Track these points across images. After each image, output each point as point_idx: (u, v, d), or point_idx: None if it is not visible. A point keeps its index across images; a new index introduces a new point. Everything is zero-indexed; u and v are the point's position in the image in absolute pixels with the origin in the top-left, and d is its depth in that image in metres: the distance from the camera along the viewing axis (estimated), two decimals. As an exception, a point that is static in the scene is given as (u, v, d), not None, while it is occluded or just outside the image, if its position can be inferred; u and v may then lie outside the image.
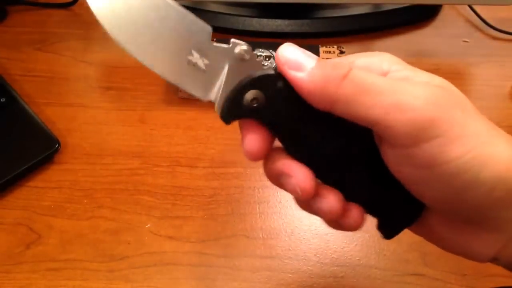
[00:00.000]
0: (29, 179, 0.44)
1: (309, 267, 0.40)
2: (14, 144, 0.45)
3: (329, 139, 0.21)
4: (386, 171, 0.21)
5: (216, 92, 0.21)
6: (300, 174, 0.21)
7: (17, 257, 0.40)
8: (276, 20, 0.55)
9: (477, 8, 0.58)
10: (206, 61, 0.20)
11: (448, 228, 0.23)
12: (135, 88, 0.51)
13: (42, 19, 0.56)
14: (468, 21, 0.58)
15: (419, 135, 0.18)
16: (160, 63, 0.21)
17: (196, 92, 0.21)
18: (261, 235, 0.42)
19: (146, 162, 0.46)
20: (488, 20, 0.57)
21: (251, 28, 0.55)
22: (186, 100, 0.50)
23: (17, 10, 0.57)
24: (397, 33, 0.57)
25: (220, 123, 0.52)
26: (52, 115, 0.48)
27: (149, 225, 0.42)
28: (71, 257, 0.40)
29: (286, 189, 0.22)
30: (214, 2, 0.56)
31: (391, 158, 0.20)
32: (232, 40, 0.20)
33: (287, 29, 0.55)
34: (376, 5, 0.57)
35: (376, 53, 0.22)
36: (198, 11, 0.56)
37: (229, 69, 0.20)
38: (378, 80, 0.19)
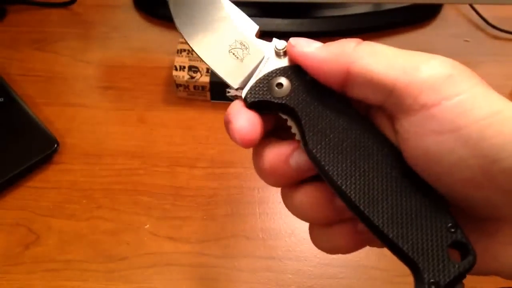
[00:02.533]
0: (27, 180, 0.44)
1: (309, 268, 0.40)
2: (12, 144, 0.45)
3: (346, 131, 0.20)
4: (414, 178, 0.19)
5: (245, 81, 0.22)
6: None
7: (16, 257, 0.40)
8: (276, 19, 0.55)
9: (478, 7, 0.58)
10: (245, 52, 0.22)
11: (477, 238, 0.19)
12: (134, 88, 0.51)
13: (41, 19, 0.56)
14: (469, 20, 0.58)
15: (441, 92, 0.17)
16: (204, 47, 0.22)
17: (227, 78, 0.22)
18: (261, 236, 0.42)
19: (145, 162, 0.46)
20: (489, 20, 0.57)
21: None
22: (186, 100, 0.50)
23: (16, 10, 0.57)
24: (398, 32, 0.57)
25: (220, 123, 0.52)
26: (51, 115, 0.48)
27: (148, 225, 0.42)
28: (70, 257, 0.40)
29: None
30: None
31: (411, 130, 0.18)
32: (275, 38, 0.22)
33: (287, 28, 0.55)
34: (377, 5, 0.57)
35: None
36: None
37: (265, 62, 0.22)
38: (391, 48, 0.19)
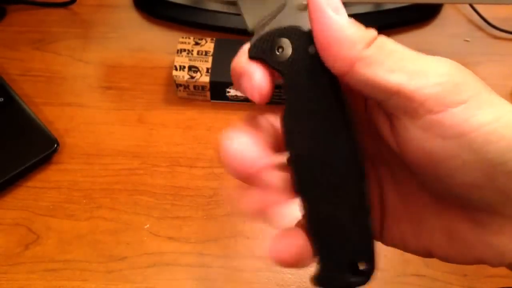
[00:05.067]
0: (27, 179, 0.44)
1: (309, 268, 0.40)
2: (12, 144, 0.44)
3: (323, 124, 0.20)
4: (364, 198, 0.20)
5: (261, 25, 0.20)
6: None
7: (15, 257, 0.40)
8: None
9: (479, 7, 0.58)
10: None
11: (469, 227, 0.20)
12: (134, 87, 0.51)
13: (41, 18, 0.56)
14: (469, 20, 0.58)
15: (446, 99, 0.17)
16: None
17: (246, 14, 0.21)
18: (261, 236, 0.42)
19: (145, 162, 0.46)
20: (490, 19, 0.57)
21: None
22: (186, 100, 0.50)
23: (16, 9, 0.56)
24: (398, 32, 0.57)
25: (219, 123, 0.52)
26: (50, 115, 0.48)
27: (148, 225, 0.42)
28: (70, 257, 0.40)
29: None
30: (214, 1, 0.56)
31: (413, 132, 0.18)
32: None
33: (287, 28, 0.55)
34: (377, 5, 0.57)
35: None
36: (199, 10, 0.56)
37: (282, 11, 0.20)
38: (402, 48, 0.18)
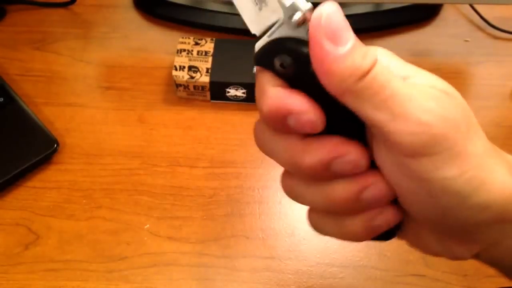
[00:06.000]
0: (27, 179, 0.44)
1: (309, 268, 0.40)
2: (12, 144, 0.44)
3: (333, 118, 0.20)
4: None
5: (263, 32, 0.20)
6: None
7: (15, 257, 0.40)
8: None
9: (478, 7, 0.58)
10: (264, 4, 0.20)
11: (430, 236, 0.22)
12: (134, 88, 0.51)
13: (41, 19, 0.56)
14: (469, 20, 0.58)
15: (419, 149, 0.18)
16: None
17: (247, 22, 0.20)
18: (261, 236, 0.42)
19: (145, 162, 0.46)
20: (489, 20, 0.57)
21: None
22: (186, 100, 0.50)
23: (16, 9, 0.56)
24: (398, 32, 0.57)
25: (219, 123, 0.52)
26: (50, 115, 0.48)
27: (148, 225, 0.42)
28: (70, 257, 0.40)
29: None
30: (214, 1, 0.56)
31: (385, 161, 0.20)
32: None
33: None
34: (377, 5, 0.57)
35: (374, 47, 0.20)
36: (199, 10, 0.56)
37: (279, 24, 0.19)
38: (395, 82, 0.18)
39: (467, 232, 0.21)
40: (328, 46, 0.17)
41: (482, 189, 0.18)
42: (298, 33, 0.19)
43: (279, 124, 0.19)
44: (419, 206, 0.20)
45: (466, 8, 0.58)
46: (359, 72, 0.17)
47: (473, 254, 0.22)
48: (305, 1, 0.18)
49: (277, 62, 0.19)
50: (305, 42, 0.18)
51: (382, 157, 0.20)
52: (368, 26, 0.56)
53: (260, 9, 0.20)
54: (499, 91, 0.52)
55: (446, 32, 0.57)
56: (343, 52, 0.17)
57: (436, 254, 0.23)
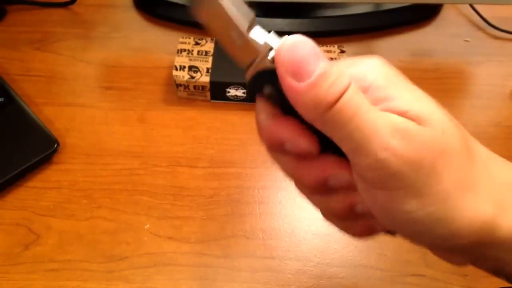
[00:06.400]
0: (27, 179, 0.44)
1: (309, 268, 0.40)
2: (12, 144, 0.44)
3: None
4: None
5: (248, 65, 0.21)
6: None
7: (16, 257, 0.40)
8: (276, 19, 0.55)
9: (478, 7, 0.58)
10: (240, 42, 0.21)
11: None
12: (134, 88, 0.51)
13: (41, 19, 0.56)
14: (469, 20, 0.58)
15: (378, 184, 0.19)
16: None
17: (234, 58, 0.21)
18: (261, 236, 0.42)
19: (145, 162, 0.46)
20: (489, 19, 0.57)
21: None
22: (186, 100, 0.50)
23: (16, 10, 0.57)
24: (398, 32, 0.57)
25: (219, 123, 0.52)
26: (51, 115, 0.48)
27: (148, 225, 0.42)
28: (70, 257, 0.40)
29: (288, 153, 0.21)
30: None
31: (358, 183, 0.20)
32: (271, 34, 0.20)
33: (287, 28, 0.55)
34: (377, 5, 0.57)
35: (365, 60, 0.20)
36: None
37: (259, 58, 0.20)
38: (363, 108, 0.18)
39: (450, 250, 0.21)
40: (290, 81, 0.18)
41: (447, 222, 0.19)
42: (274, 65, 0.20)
43: (277, 149, 0.21)
44: (391, 226, 0.21)
45: (466, 8, 0.58)
46: (324, 104, 0.18)
47: (466, 262, 0.22)
48: (277, 37, 0.20)
49: (265, 91, 0.20)
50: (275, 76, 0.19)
51: (354, 176, 0.20)
52: (368, 26, 0.56)
53: (240, 49, 0.21)
54: (499, 91, 0.52)
55: (446, 32, 0.57)
56: (304, 86, 0.18)
57: (437, 256, 0.24)
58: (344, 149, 0.19)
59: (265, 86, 0.20)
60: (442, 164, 0.18)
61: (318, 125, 0.19)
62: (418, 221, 0.19)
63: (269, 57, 0.20)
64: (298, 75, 0.18)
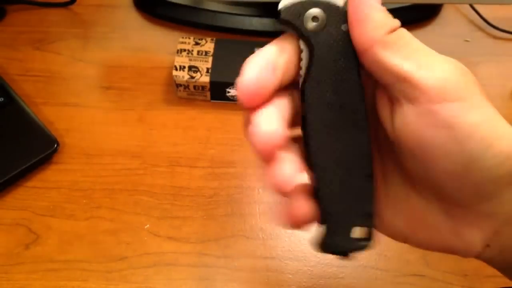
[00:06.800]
0: (27, 179, 0.44)
1: (309, 268, 0.40)
2: (12, 144, 0.44)
3: (343, 99, 0.21)
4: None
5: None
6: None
7: (15, 257, 0.40)
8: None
9: (479, 7, 0.58)
10: None
11: (441, 219, 0.23)
12: (134, 87, 0.51)
13: (41, 18, 0.56)
14: (469, 20, 0.58)
15: (445, 93, 0.19)
16: None
17: None
18: (261, 236, 0.42)
19: (145, 162, 0.46)
20: (490, 20, 0.57)
21: (251, 28, 0.54)
22: (186, 100, 0.50)
23: (16, 9, 0.57)
24: (398, 32, 0.57)
25: (219, 123, 0.52)
26: (50, 115, 0.48)
27: (148, 225, 0.42)
28: (70, 257, 0.40)
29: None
30: (214, 1, 0.56)
31: (412, 117, 0.20)
32: None
33: (287, 28, 0.55)
34: (377, 4, 0.57)
35: None
36: (199, 10, 0.56)
37: None
38: (418, 42, 0.20)
39: (485, 195, 0.21)
40: None
41: (504, 138, 0.19)
42: None
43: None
44: (444, 159, 0.20)
45: (466, 8, 0.58)
46: (390, 25, 0.20)
47: (484, 239, 0.22)
48: None
49: (309, 16, 0.20)
50: (337, 5, 0.20)
51: (411, 117, 0.20)
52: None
53: None
54: (499, 91, 0.52)
55: (446, 32, 0.57)
56: (379, 5, 0.20)
57: (444, 245, 0.23)
58: (406, 68, 0.19)
59: (314, 8, 0.20)
60: (483, 93, 0.20)
61: (378, 47, 0.20)
62: (480, 136, 0.19)
63: None
64: None
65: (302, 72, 0.21)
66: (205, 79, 0.47)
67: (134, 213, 0.43)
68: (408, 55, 0.20)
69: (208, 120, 0.48)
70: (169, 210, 0.43)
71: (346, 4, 0.20)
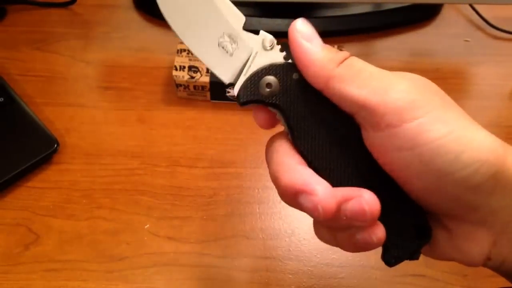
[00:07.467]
0: (27, 180, 0.44)
1: (309, 268, 0.40)
2: (12, 144, 0.44)
3: (330, 131, 0.22)
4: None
5: (237, 75, 0.23)
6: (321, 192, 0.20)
7: (16, 257, 0.40)
8: (276, 19, 0.55)
9: (478, 7, 0.58)
10: (234, 46, 0.23)
11: (441, 232, 0.23)
12: (134, 88, 0.51)
13: (41, 19, 0.56)
14: (469, 20, 0.58)
15: (402, 115, 0.19)
16: (195, 40, 0.23)
17: (218, 72, 0.23)
18: (261, 236, 0.42)
19: (145, 162, 0.46)
20: (489, 20, 0.57)
21: (251, 28, 0.54)
22: (186, 100, 0.50)
23: (16, 10, 0.57)
24: (398, 32, 0.57)
25: (219, 123, 0.52)
26: (51, 115, 0.48)
27: (148, 225, 0.42)
28: (70, 257, 0.40)
29: (303, 208, 0.21)
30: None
31: (376, 142, 0.21)
32: (261, 31, 0.23)
33: (287, 28, 0.55)
34: (377, 5, 0.57)
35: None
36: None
37: (253, 57, 0.22)
38: (370, 67, 0.21)
39: (469, 207, 0.20)
40: (306, 43, 0.21)
41: (472, 146, 0.19)
42: (271, 59, 0.22)
43: (290, 200, 0.22)
44: (417, 181, 0.21)
45: (466, 8, 0.58)
46: (336, 59, 0.21)
47: (486, 250, 0.22)
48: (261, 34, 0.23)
49: (262, 85, 0.22)
50: (279, 63, 0.22)
51: (375, 141, 0.21)
52: (368, 26, 0.56)
53: (231, 54, 0.23)
54: (499, 91, 0.52)
55: (446, 32, 0.57)
56: (318, 46, 0.21)
57: (447, 258, 0.23)
58: (363, 96, 0.20)
59: (265, 77, 0.22)
60: (448, 102, 0.20)
61: (332, 82, 0.20)
62: (446, 150, 0.19)
63: (267, 43, 0.22)
64: (310, 39, 0.21)
65: (286, 128, 0.23)
66: (205, 79, 0.47)
67: (134, 213, 0.43)
68: (362, 83, 0.20)
69: (208, 120, 0.48)
70: (169, 210, 0.43)
71: (286, 57, 0.22)
